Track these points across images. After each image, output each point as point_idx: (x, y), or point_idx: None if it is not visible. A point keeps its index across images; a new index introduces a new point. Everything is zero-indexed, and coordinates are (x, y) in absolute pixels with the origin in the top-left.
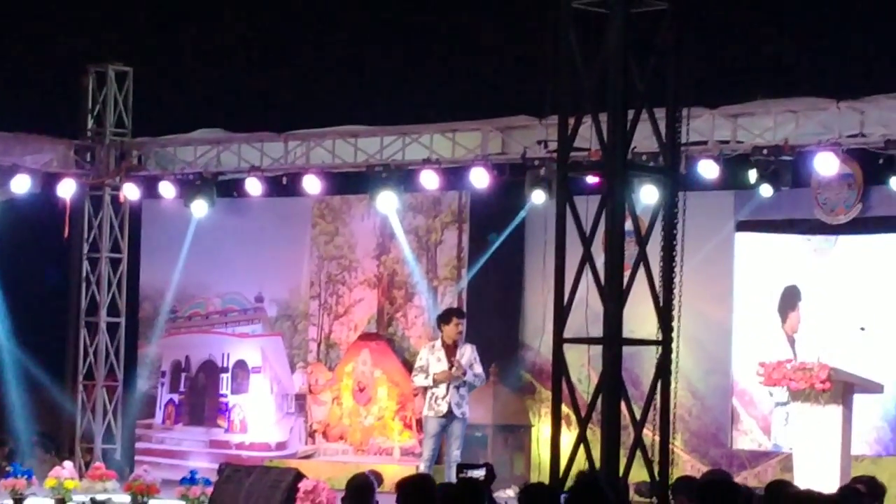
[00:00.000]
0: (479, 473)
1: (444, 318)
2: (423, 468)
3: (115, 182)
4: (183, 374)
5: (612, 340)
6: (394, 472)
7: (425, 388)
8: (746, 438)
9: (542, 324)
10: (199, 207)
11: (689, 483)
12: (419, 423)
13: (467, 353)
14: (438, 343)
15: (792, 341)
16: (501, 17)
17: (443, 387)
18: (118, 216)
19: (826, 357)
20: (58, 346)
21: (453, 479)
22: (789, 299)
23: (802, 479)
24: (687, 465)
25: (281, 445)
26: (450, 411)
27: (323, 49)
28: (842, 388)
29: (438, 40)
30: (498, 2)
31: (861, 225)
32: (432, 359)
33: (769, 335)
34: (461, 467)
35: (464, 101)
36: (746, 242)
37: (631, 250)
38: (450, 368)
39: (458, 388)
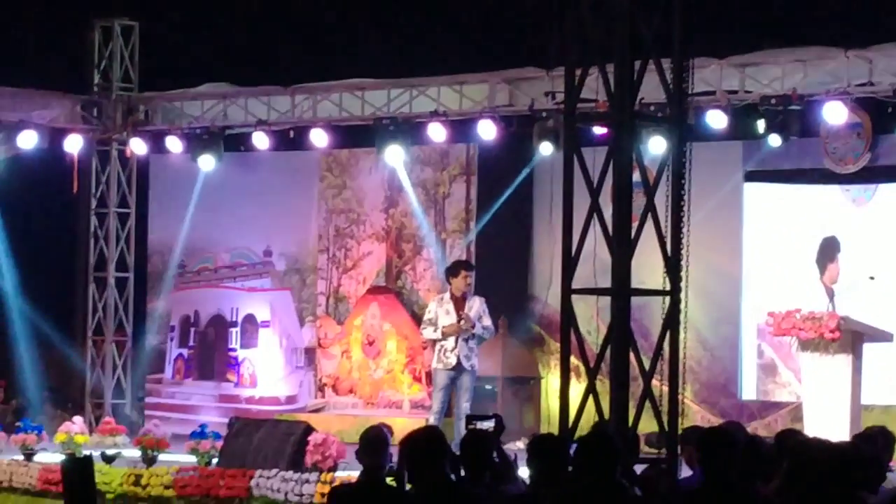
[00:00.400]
0: (488, 425)
1: (453, 270)
2: (432, 421)
3: (123, 137)
4: (192, 329)
5: (621, 291)
6: (403, 424)
7: (434, 341)
8: (784, 391)
9: (550, 275)
10: (207, 162)
11: (698, 433)
12: (428, 375)
13: (476, 305)
14: (447, 296)
15: (831, 293)
16: None
17: (451, 339)
18: (126, 171)
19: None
20: (66, 301)
21: (463, 432)
22: (828, 251)
23: (812, 429)
24: (697, 415)
25: (291, 399)
26: (458, 364)
27: (329, 2)
28: (851, 338)
29: None
30: None
31: (870, 174)
32: (441, 311)
33: (794, 285)
34: (470, 419)
35: (471, 54)
36: (774, 193)
37: (639, 201)
38: (458, 321)
39: (466, 340)
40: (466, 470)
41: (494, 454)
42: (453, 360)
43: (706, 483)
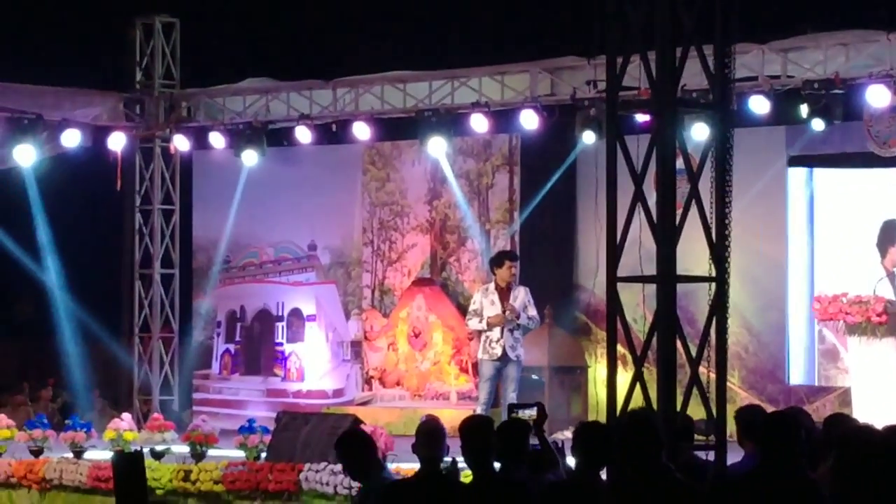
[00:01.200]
0: (531, 413)
1: (497, 261)
2: (479, 411)
3: (165, 134)
4: (238, 324)
5: (666, 278)
6: (451, 416)
7: (480, 332)
8: (847, 376)
9: (595, 264)
10: (250, 157)
11: (752, 413)
12: (475, 366)
13: (521, 295)
14: (492, 286)
15: (892, 276)
16: None
17: (497, 330)
18: (169, 168)
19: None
20: (113, 298)
21: None
22: (889, 233)
23: (861, 413)
24: (744, 402)
25: (338, 392)
26: (504, 354)
27: None
28: None
29: None
30: None
31: None
32: (486, 302)
33: (852, 269)
34: (512, 407)
35: (512, 43)
36: (825, 178)
37: (682, 188)
38: (503, 311)
39: (512, 330)
40: (504, 458)
41: (535, 442)
42: (499, 351)
43: (761, 467)
